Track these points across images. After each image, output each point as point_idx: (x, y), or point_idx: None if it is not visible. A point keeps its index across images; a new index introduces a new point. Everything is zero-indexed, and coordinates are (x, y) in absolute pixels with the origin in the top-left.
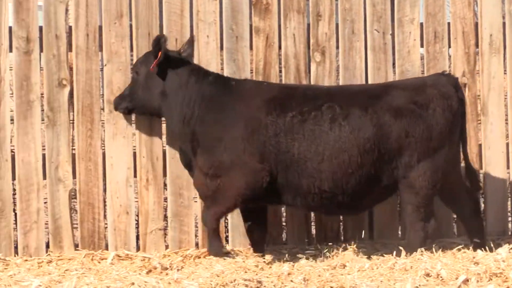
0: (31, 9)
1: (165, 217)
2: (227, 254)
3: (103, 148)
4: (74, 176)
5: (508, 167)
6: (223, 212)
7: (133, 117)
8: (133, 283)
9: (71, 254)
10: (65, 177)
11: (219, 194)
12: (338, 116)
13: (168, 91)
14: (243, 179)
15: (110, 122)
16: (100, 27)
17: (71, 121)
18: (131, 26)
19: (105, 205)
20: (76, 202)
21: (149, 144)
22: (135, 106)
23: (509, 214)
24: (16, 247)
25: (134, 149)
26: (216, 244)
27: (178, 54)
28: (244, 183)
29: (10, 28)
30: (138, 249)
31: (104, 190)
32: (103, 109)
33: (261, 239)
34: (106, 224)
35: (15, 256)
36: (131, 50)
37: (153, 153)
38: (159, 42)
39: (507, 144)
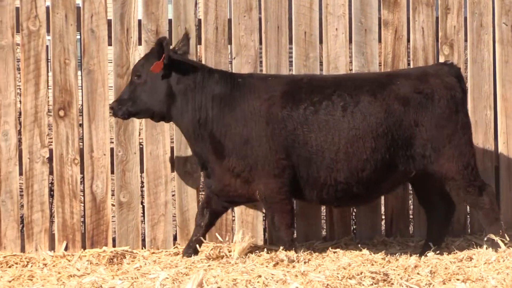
0: (161, 2)
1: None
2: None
3: None
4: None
5: None
6: (291, 218)
7: None
8: (260, 276)
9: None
10: (193, 170)
11: (270, 203)
12: (349, 103)
13: (177, 93)
14: (278, 181)
15: None
16: (230, 20)
17: None
18: (260, 19)
19: None
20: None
21: None
22: (138, 110)
23: None
24: (143, 240)
25: None
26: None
27: (174, 53)
28: (280, 183)
29: (139, 21)
30: (265, 241)
31: None
32: None
33: None
34: (234, 217)
35: (142, 248)
36: (260, 43)
37: None
38: (161, 45)
39: None
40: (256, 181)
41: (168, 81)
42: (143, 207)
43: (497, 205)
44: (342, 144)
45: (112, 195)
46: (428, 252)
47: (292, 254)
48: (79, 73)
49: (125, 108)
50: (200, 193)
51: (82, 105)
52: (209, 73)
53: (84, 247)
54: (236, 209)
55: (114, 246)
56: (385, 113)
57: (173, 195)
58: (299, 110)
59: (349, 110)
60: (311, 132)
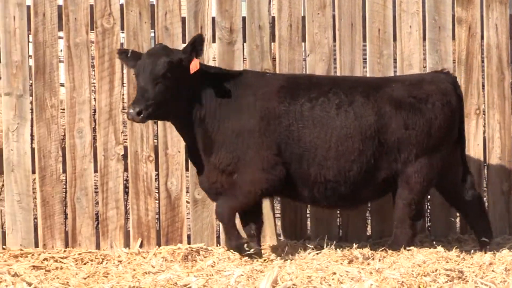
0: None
1: (368, 207)
2: (247, 247)
3: None
4: None
5: None
6: (240, 207)
7: None
8: (334, 273)
9: (273, 244)
10: None
11: (237, 189)
12: (344, 102)
13: (189, 92)
14: (263, 175)
15: None
16: (303, 18)
17: None
18: (334, 16)
19: None
20: None
21: None
22: (165, 111)
23: None
24: (218, 237)
25: None
26: (234, 239)
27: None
28: (264, 179)
29: (213, 18)
30: (339, 239)
31: None
32: None
33: None
34: (308, 214)
35: (217, 245)
36: (334, 40)
37: None
38: (194, 43)
39: None
40: (239, 174)
41: (185, 81)
42: None
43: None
44: (333, 142)
45: (187, 192)
46: (503, 250)
47: (366, 251)
48: None
49: (151, 110)
50: None
51: None
52: (209, 71)
53: (159, 244)
54: (310, 206)
55: (188, 243)
56: (375, 115)
57: None
58: (296, 106)
59: (343, 108)
60: (305, 128)
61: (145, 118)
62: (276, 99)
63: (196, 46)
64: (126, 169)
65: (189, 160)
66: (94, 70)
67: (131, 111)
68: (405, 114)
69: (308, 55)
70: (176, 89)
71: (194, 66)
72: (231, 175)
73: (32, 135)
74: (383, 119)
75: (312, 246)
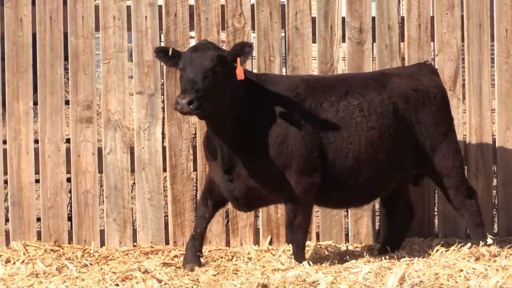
0: (364, 0)
1: (494, 205)
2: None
3: None
4: None
5: None
6: (311, 222)
7: None
8: (461, 270)
9: None
10: None
11: (299, 205)
12: (364, 103)
13: (234, 92)
14: (312, 180)
15: None
16: (432, 18)
17: None
18: (462, 16)
19: (434, 193)
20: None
21: (479, 133)
22: (215, 109)
23: None
24: (346, 234)
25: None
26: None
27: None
28: (312, 185)
29: (343, 18)
30: (467, 236)
31: None
32: None
33: None
34: (436, 212)
35: (345, 243)
36: (462, 40)
37: (482, 141)
38: (236, 46)
39: None
40: (286, 180)
41: (230, 80)
42: None
43: (479, 217)
44: (363, 143)
45: None
46: None
47: (493, 249)
48: (283, 70)
49: (202, 101)
50: None
51: None
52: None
53: (288, 242)
54: (438, 204)
55: (317, 240)
56: (392, 111)
57: None
58: (321, 109)
59: (365, 109)
60: (337, 130)
61: (196, 108)
62: (307, 102)
63: (238, 50)
64: None
65: (222, 167)
66: None
67: (183, 101)
68: (413, 107)
69: (437, 55)
70: (222, 85)
71: (239, 73)
72: (279, 184)
73: (163, 134)
74: (398, 113)
75: (440, 244)
